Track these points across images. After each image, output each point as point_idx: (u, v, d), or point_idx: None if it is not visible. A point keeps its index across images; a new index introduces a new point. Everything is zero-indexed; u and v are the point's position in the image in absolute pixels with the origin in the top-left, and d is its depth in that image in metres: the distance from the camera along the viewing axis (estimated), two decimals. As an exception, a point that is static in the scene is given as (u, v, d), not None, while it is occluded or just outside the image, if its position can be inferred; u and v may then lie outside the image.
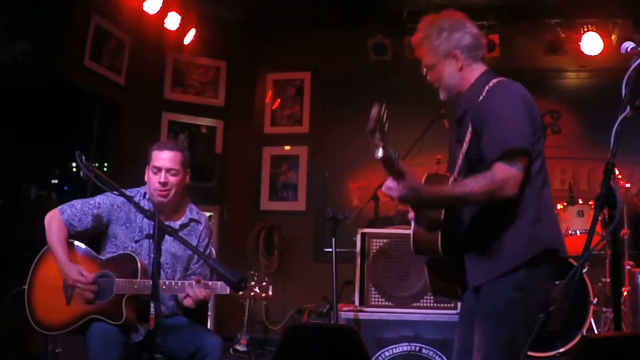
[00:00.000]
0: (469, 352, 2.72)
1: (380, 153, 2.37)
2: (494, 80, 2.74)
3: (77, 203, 3.58)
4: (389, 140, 2.37)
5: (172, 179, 3.57)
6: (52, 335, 3.57)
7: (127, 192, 3.52)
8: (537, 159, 2.67)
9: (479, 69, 2.81)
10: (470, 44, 2.78)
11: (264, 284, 3.39)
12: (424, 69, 2.88)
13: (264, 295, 3.38)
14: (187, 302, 3.41)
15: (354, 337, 3.78)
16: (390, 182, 2.57)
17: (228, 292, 3.34)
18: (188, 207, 3.76)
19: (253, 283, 3.38)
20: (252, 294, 3.37)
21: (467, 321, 2.80)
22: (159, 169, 3.56)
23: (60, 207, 3.57)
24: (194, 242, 3.64)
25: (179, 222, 3.67)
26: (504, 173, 2.54)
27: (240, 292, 3.32)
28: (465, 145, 2.74)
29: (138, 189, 3.70)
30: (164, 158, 3.58)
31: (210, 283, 3.40)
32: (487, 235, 2.68)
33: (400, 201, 2.62)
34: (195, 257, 3.67)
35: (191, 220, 3.72)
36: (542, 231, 2.64)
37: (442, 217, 2.67)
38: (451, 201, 2.66)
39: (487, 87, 2.72)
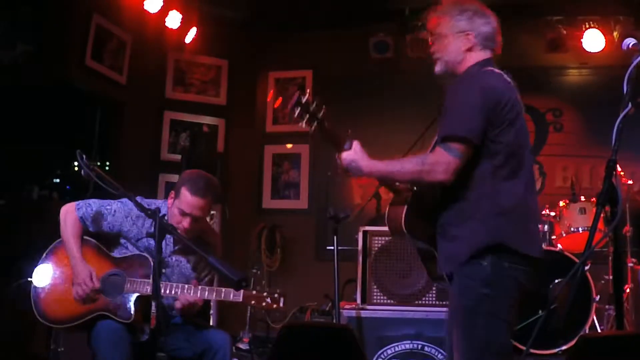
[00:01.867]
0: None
1: (306, 127, 2.75)
2: (469, 71, 2.79)
3: (94, 204, 3.53)
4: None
5: (195, 225, 3.48)
6: (56, 328, 3.55)
7: (146, 202, 3.44)
8: (503, 151, 2.64)
9: (486, 54, 2.83)
10: (486, 33, 2.82)
11: (275, 295, 3.37)
12: (431, 37, 2.94)
13: (275, 306, 3.37)
14: (177, 305, 3.41)
15: (349, 336, 3.78)
16: (341, 154, 2.78)
17: (241, 299, 3.33)
18: (207, 233, 3.74)
19: (265, 294, 3.36)
20: (264, 304, 3.36)
21: (452, 317, 2.80)
22: (186, 214, 3.44)
23: (77, 202, 3.52)
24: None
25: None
26: (436, 157, 2.61)
27: (253, 302, 3.35)
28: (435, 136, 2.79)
29: (157, 202, 3.60)
30: (194, 205, 3.43)
31: (223, 290, 3.38)
32: (446, 222, 2.72)
33: (346, 172, 2.80)
34: (201, 277, 3.65)
35: (205, 243, 3.64)
36: (499, 225, 2.61)
37: (410, 197, 2.80)
38: (385, 176, 2.80)
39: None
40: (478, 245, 2.60)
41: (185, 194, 3.43)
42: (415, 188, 2.83)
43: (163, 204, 3.60)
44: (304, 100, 2.73)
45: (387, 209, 2.92)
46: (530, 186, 2.75)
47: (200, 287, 3.42)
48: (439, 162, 2.59)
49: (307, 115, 2.74)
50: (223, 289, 3.40)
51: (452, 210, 2.70)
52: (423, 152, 2.84)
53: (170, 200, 3.55)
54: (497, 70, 2.77)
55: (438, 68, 2.90)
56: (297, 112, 2.74)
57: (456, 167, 2.58)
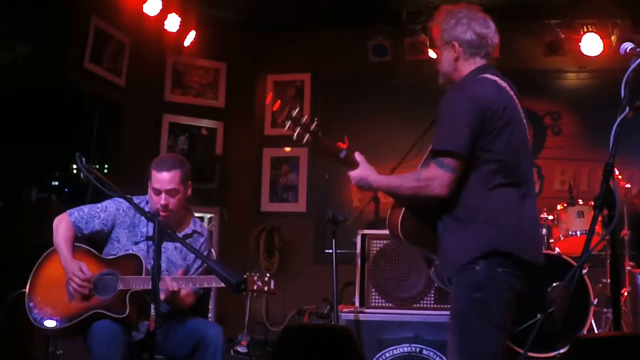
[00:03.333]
0: None
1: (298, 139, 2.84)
2: (463, 80, 2.83)
3: (85, 207, 3.65)
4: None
5: (172, 200, 3.57)
6: (51, 331, 3.56)
7: (135, 198, 3.56)
8: (494, 158, 2.67)
9: (475, 64, 2.86)
10: (469, 40, 2.84)
11: (265, 278, 3.45)
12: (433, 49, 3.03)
13: (266, 289, 3.43)
14: (161, 296, 3.40)
15: (349, 337, 3.79)
16: (350, 172, 2.87)
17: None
18: (192, 220, 3.80)
19: (255, 278, 3.43)
20: (255, 287, 3.41)
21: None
22: (159, 191, 3.56)
23: (69, 210, 3.62)
24: None
25: (182, 234, 3.70)
26: (430, 173, 2.68)
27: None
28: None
29: (145, 197, 3.73)
30: (162, 180, 3.55)
31: (214, 277, 3.40)
32: (442, 229, 2.77)
33: (357, 187, 2.91)
34: (194, 267, 3.72)
35: (194, 232, 3.77)
36: (493, 232, 2.65)
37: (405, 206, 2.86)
38: (389, 190, 2.87)
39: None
40: (473, 252, 2.64)
41: (153, 172, 3.59)
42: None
43: (148, 197, 3.71)
44: (294, 114, 2.83)
45: (388, 212, 2.94)
46: (526, 191, 2.76)
47: (191, 277, 3.50)
48: (433, 178, 2.66)
49: (299, 129, 2.83)
50: (208, 277, 3.45)
51: (447, 218, 2.75)
52: (420, 157, 2.88)
53: (149, 192, 3.66)
54: (490, 77, 2.78)
55: (440, 79, 2.99)
56: (288, 125, 2.84)
57: (450, 181, 2.65)
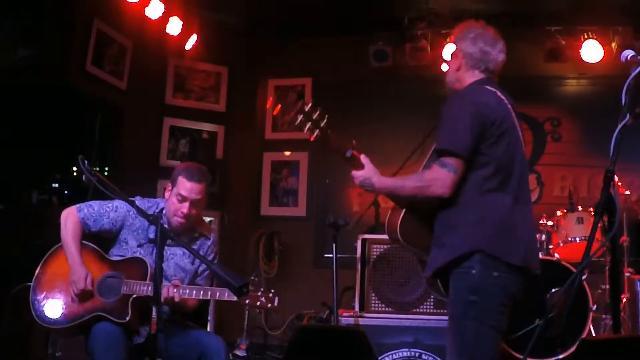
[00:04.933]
0: None
1: (307, 135, 2.91)
2: (465, 89, 2.98)
3: (95, 204, 3.62)
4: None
5: (194, 211, 3.62)
6: (55, 330, 3.56)
7: (146, 201, 3.64)
8: (490, 164, 2.79)
9: (474, 76, 3.02)
10: (472, 54, 3.02)
11: (270, 294, 3.38)
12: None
13: (269, 305, 3.36)
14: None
15: (361, 339, 3.81)
16: (354, 172, 2.96)
17: (236, 298, 3.34)
18: (202, 224, 3.82)
19: (260, 293, 3.36)
20: (258, 303, 3.35)
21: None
22: (185, 199, 3.58)
23: (77, 205, 3.60)
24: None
25: (190, 238, 3.71)
26: (433, 173, 2.79)
27: (247, 301, 3.35)
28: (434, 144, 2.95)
29: (157, 200, 3.74)
30: (192, 189, 3.58)
31: (218, 290, 3.41)
32: (437, 231, 2.87)
33: (360, 187, 2.99)
34: (201, 269, 3.71)
35: (201, 235, 3.77)
36: (479, 233, 2.74)
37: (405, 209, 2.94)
38: (392, 191, 2.95)
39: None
40: (459, 251, 2.74)
41: (183, 180, 3.59)
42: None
43: (161, 201, 3.73)
44: (307, 108, 2.89)
45: (388, 215, 2.98)
46: (520, 198, 2.85)
47: (195, 287, 3.47)
48: (436, 178, 2.77)
49: (309, 124, 2.89)
50: (218, 289, 3.44)
51: (442, 220, 2.86)
52: (421, 162, 2.95)
53: (167, 193, 3.67)
54: (490, 88, 2.93)
55: (445, 87, 3.14)
56: (299, 119, 2.88)
57: (452, 181, 2.75)
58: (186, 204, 3.57)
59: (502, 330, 2.75)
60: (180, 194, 3.57)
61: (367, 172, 2.93)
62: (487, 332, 2.70)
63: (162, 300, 3.36)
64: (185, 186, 3.57)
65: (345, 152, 2.93)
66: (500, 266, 2.71)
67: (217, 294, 3.44)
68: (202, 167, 3.74)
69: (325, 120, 2.91)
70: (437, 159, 2.81)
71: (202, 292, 3.48)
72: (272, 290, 3.40)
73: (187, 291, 3.44)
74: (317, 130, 2.90)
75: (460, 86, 3.03)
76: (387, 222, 3.01)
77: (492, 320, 2.71)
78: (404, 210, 2.91)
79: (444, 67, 6.03)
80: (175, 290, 3.40)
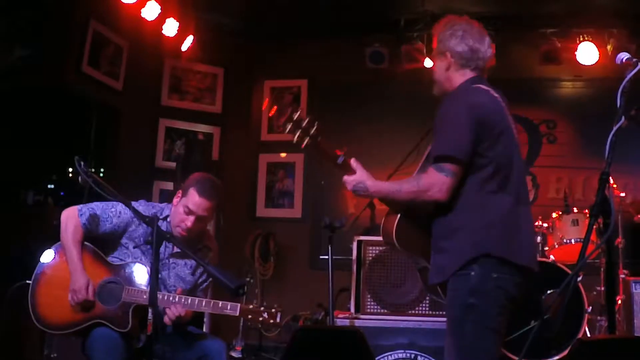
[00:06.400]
0: None
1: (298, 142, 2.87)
2: (457, 89, 2.90)
3: (97, 208, 3.53)
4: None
5: (199, 225, 3.55)
6: (51, 334, 3.53)
7: (151, 206, 3.58)
8: (489, 165, 2.73)
9: (465, 75, 2.94)
10: (462, 52, 2.92)
11: (272, 310, 3.35)
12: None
13: (272, 322, 3.34)
14: (165, 320, 3.36)
15: (360, 339, 3.81)
16: (346, 177, 2.89)
17: (237, 313, 3.33)
18: (205, 235, 3.77)
19: (262, 309, 3.34)
20: (260, 319, 3.33)
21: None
22: (192, 212, 3.50)
23: (79, 207, 3.52)
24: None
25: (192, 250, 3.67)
26: (430, 178, 2.72)
27: (249, 317, 3.33)
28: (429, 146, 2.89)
29: (162, 206, 3.67)
30: (201, 205, 3.50)
31: (220, 303, 3.37)
32: (436, 235, 2.82)
33: (353, 193, 2.91)
34: (200, 280, 3.67)
35: (204, 247, 3.72)
36: (485, 237, 2.69)
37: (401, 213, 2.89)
38: (387, 195, 2.87)
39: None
40: (465, 257, 2.69)
41: (194, 193, 3.51)
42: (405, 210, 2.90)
43: (166, 207, 3.66)
44: (295, 116, 2.84)
45: (383, 219, 2.96)
46: (520, 198, 2.81)
47: (197, 299, 3.41)
48: (434, 182, 2.70)
49: (299, 132, 2.85)
50: (220, 302, 3.37)
51: (441, 224, 2.80)
52: (416, 164, 2.92)
53: (176, 199, 3.61)
54: (484, 87, 2.86)
55: (435, 89, 3.06)
56: (288, 127, 2.85)
57: (450, 186, 2.70)
58: (192, 218, 3.50)
59: (501, 332, 2.72)
60: (187, 207, 3.50)
61: (359, 176, 2.88)
62: (487, 335, 2.68)
63: (169, 321, 3.35)
64: (195, 200, 3.50)
65: (336, 160, 2.90)
66: (502, 268, 2.67)
67: (220, 307, 3.36)
68: (217, 182, 3.63)
69: (315, 128, 2.87)
70: (432, 164, 2.75)
71: (204, 305, 3.40)
72: (275, 305, 3.37)
73: (190, 303, 3.38)
74: (307, 138, 2.87)
75: (450, 86, 2.95)
76: (382, 228, 2.97)
77: (491, 322, 2.68)
78: (399, 215, 2.86)
79: (427, 63, 6.01)
80: (179, 305, 3.34)
